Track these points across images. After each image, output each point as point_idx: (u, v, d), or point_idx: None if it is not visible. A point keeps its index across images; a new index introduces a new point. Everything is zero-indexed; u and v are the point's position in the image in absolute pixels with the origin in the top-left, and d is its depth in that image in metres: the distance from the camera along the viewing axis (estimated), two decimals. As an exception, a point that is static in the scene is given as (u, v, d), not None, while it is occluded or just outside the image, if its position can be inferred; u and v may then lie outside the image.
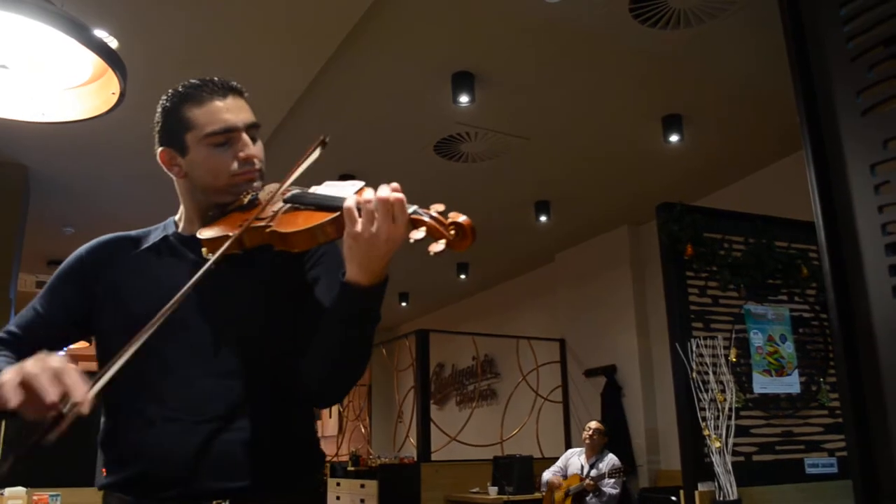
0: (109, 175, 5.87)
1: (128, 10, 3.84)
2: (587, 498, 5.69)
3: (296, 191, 1.38)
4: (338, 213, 1.24)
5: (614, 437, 6.37)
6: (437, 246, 1.16)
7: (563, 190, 6.60)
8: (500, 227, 7.33)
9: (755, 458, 3.51)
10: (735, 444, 3.38)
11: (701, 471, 3.34)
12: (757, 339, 3.63)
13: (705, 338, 3.51)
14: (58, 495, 3.90)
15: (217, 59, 4.27)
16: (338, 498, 7.83)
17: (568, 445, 7.61)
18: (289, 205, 1.35)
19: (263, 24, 4.03)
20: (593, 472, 5.78)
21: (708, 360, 3.46)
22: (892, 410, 1.09)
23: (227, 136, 1.42)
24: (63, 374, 1.06)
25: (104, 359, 1.40)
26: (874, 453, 1.12)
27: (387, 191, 1.20)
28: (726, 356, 3.49)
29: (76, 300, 1.46)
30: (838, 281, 1.18)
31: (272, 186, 1.43)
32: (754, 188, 6.15)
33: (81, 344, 1.53)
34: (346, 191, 1.28)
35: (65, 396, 1.04)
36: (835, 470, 3.60)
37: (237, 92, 1.47)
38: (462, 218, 1.17)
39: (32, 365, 1.07)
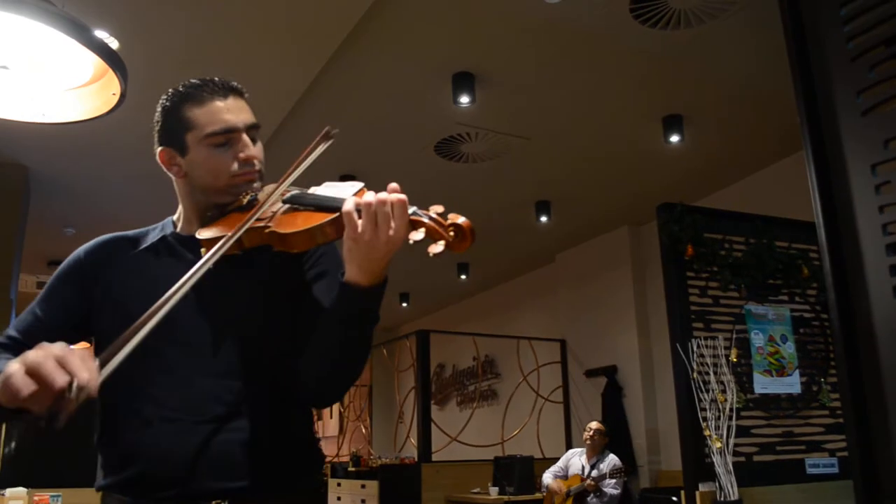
0: (110, 176, 5.87)
1: (128, 11, 3.84)
2: (588, 498, 5.69)
3: (295, 191, 1.38)
4: (337, 214, 1.24)
5: (615, 437, 6.37)
6: (437, 247, 1.16)
7: (563, 190, 6.60)
8: (500, 227, 7.33)
9: (756, 458, 3.51)
10: (736, 445, 3.38)
11: (702, 471, 3.34)
12: (758, 339, 3.63)
13: (706, 338, 3.51)
14: (59, 496, 3.90)
15: (217, 59, 4.27)
16: (338, 498, 7.83)
17: (569, 446, 7.60)
18: (288, 205, 1.35)
19: (264, 25, 4.04)
20: (594, 473, 5.78)
21: (709, 360, 3.46)
22: (893, 410, 1.09)
23: (227, 137, 1.42)
24: (67, 359, 1.04)
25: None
26: (875, 453, 1.11)
27: (388, 192, 1.20)
28: (727, 356, 3.49)
29: (75, 301, 1.46)
30: (839, 281, 1.18)
31: (271, 187, 1.43)
32: (755, 188, 6.15)
33: (82, 345, 1.53)
34: (346, 192, 1.28)
35: (71, 381, 1.02)
36: (836, 470, 3.60)
37: (238, 92, 1.47)
38: (461, 219, 1.17)
39: (35, 354, 1.05)
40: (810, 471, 3.57)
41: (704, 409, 3.39)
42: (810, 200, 1.24)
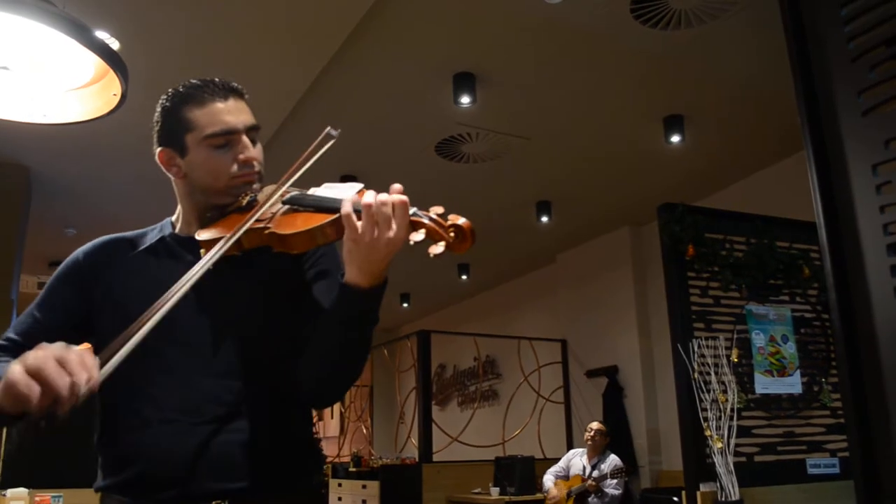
0: (111, 176, 5.88)
1: (129, 11, 3.85)
2: (589, 499, 5.69)
3: (295, 192, 1.38)
4: (337, 216, 1.23)
5: (616, 437, 6.37)
6: (437, 248, 1.16)
7: (564, 190, 6.60)
8: (501, 227, 7.33)
9: (757, 458, 3.50)
10: (737, 445, 3.38)
11: (703, 471, 3.34)
12: (758, 339, 3.63)
13: (707, 338, 3.51)
14: (60, 496, 3.90)
15: (218, 59, 4.27)
16: (339, 499, 7.83)
17: (570, 446, 7.60)
18: (287, 206, 1.35)
19: (264, 25, 4.04)
20: (595, 473, 5.78)
21: (709, 360, 3.46)
22: (894, 410, 1.09)
23: (227, 138, 1.42)
24: (67, 359, 1.04)
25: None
26: (876, 453, 1.11)
27: (389, 194, 1.20)
28: (728, 356, 3.49)
29: (74, 302, 1.46)
30: (840, 281, 1.18)
31: (271, 188, 1.43)
32: (756, 188, 6.15)
33: (85, 345, 1.53)
34: (346, 193, 1.28)
35: (73, 383, 1.03)
36: (837, 470, 3.60)
37: (238, 93, 1.46)
38: (461, 220, 1.17)
39: (35, 356, 1.05)
40: (811, 471, 3.57)
41: (705, 410, 3.39)
42: (811, 200, 1.24)
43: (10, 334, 1.44)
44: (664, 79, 4.76)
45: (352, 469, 8.00)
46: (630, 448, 6.87)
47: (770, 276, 3.76)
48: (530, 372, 8.37)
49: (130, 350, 1.12)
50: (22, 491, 3.76)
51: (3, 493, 3.73)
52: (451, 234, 1.17)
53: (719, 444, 3.31)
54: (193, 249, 1.40)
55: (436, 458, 7.25)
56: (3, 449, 4.05)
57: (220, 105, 1.42)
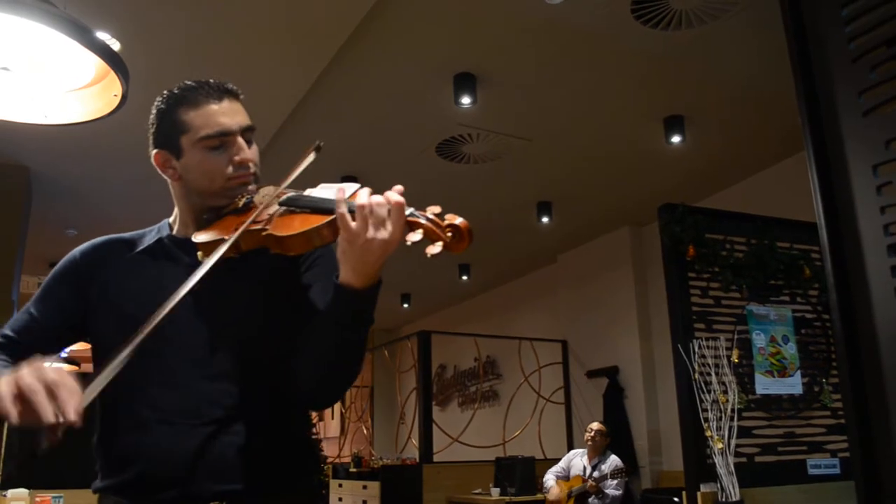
0: (112, 177, 5.88)
1: (129, 12, 3.85)
2: (590, 499, 5.69)
3: (291, 193, 1.37)
4: (334, 217, 1.23)
5: (616, 438, 6.37)
6: (434, 248, 1.16)
7: (564, 191, 6.60)
8: (501, 228, 7.33)
9: (757, 459, 3.50)
10: (737, 445, 3.38)
11: (703, 472, 3.34)
12: (759, 339, 3.63)
13: (707, 339, 3.51)
14: (60, 497, 3.90)
15: (218, 60, 4.27)
16: (340, 499, 7.83)
17: (570, 446, 7.60)
18: (284, 208, 1.35)
19: (265, 26, 4.04)
20: (595, 474, 5.78)
21: (710, 361, 3.45)
22: (895, 411, 1.09)
23: (222, 140, 1.42)
24: (58, 389, 1.06)
25: (100, 361, 1.40)
26: (876, 454, 1.11)
27: (383, 195, 1.20)
28: (728, 357, 3.49)
29: (71, 302, 1.46)
30: (840, 282, 1.18)
31: (267, 189, 1.42)
32: (756, 189, 6.15)
33: (83, 345, 1.53)
34: (343, 194, 1.28)
35: (59, 418, 1.06)
36: (837, 471, 3.59)
37: (233, 94, 1.46)
38: (459, 220, 1.17)
39: (28, 377, 1.07)
40: (812, 471, 3.56)
41: (706, 410, 3.39)
42: (812, 201, 1.24)
43: (7, 331, 1.44)
44: (665, 79, 4.76)
45: (352, 469, 8.00)
46: (631, 448, 6.87)
47: (771, 276, 3.76)
48: (531, 372, 8.37)
49: (119, 367, 1.13)
50: (23, 492, 3.76)
51: (4, 493, 3.73)
52: (449, 234, 1.17)
53: (720, 445, 3.31)
54: (190, 251, 1.40)
55: (436, 458, 7.25)
56: (2, 449, 4.05)
57: (214, 106, 1.42)
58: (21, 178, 5.67)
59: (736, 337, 3.60)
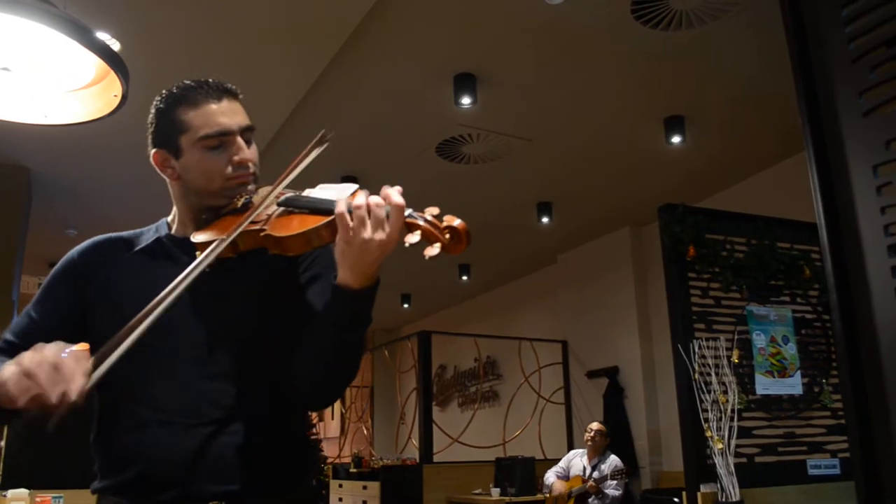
0: (112, 177, 5.88)
1: (129, 12, 3.85)
2: (590, 500, 5.69)
3: (290, 194, 1.37)
4: (332, 217, 1.23)
5: (617, 438, 6.37)
6: (433, 250, 1.16)
7: (565, 191, 6.60)
8: (501, 228, 7.34)
9: (758, 459, 3.50)
10: (737, 446, 3.37)
11: (703, 472, 3.34)
12: (759, 340, 3.63)
13: (707, 339, 3.51)
14: (60, 497, 3.89)
15: (218, 60, 4.28)
16: (340, 499, 7.83)
17: (570, 447, 7.60)
18: (283, 208, 1.35)
19: (265, 26, 4.04)
20: (595, 474, 5.77)
21: (710, 361, 3.45)
22: (895, 411, 1.09)
23: (221, 140, 1.41)
24: (61, 366, 1.07)
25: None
26: (877, 454, 1.11)
27: (382, 195, 1.20)
28: (728, 357, 3.49)
29: (69, 302, 1.46)
30: (840, 282, 1.18)
31: (266, 189, 1.42)
32: (756, 189, 6.15)
33: (83, 346, 1.53)
34: (341, 194, 1.28)
35: (65, 392, 1.06)
36: (837, 471, 3.59)
37: (232, 94, 1.46)
38: (457, 221, 1.17)
39: (30, 359, 1.08)
40: (812, 472, 3.56)
41: (706, 411, 3.38)
42: (812, 201, 1.24)
43: (8, 336, 1.44)
44: (665, 79, 4.76)
45: (352, 470, 8.00)
46: (631, 449, 6.87)
47: (771, 276, 3.76)
48: (531, 373, 8.37)
49: (123, 353, 1.13)
50: (23, 492, 3.76)
51: (3, 493, 3.72)
52: (447, 236, 1.17)
53: (720, 445, 3.31)
54: (189, 251, 1.40)
55: (436, 458, 7.25)
56: (3, 449, 4.05)
57: (213, 106, 1.42)
58: (21, 178, 5.67)
59: (736, 337, 3.60)
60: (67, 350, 1.10)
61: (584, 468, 5.95)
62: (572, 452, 6.33)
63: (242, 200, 1.42)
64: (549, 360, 8.30)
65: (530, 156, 5.80)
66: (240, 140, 1.43)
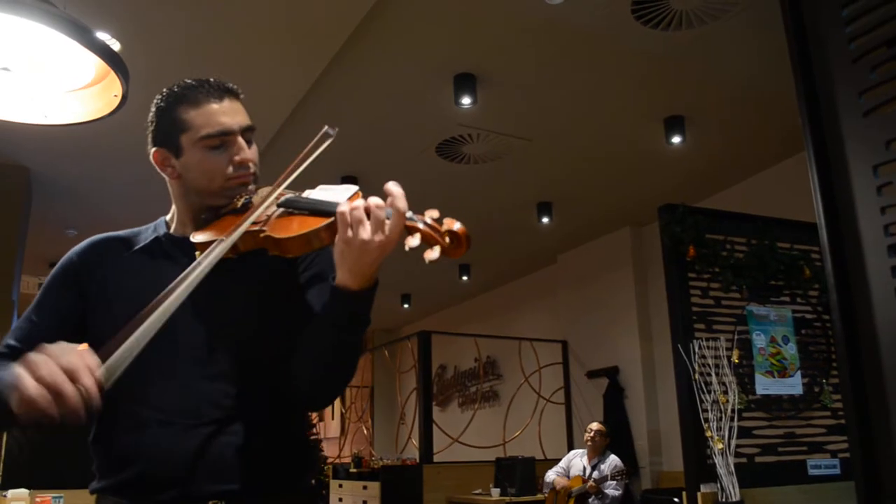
0: (112, 177, 5.88)
1: (129, 12, 3.85)
2: (590, 500, 5.69)
3: (290, 195, 1.37)
4: (332, 219, 1.23)
5: (617, 438, 6.37)
6: (433, 253, 1.16)
7: (565, 191, 6.60)
8: (501, 228, 7.33)
9: (758, 459, 3.50)
10: (737, 446, 3.37)
11: (703, 472, 3.34)
12: (759, 340, 3.63)
13: (707, 339, 3.51)
14: (60, 497, 3.89)
15: (218, 60, 4.27)
16: (340, 499, 7.83)
17: (570, 447, 7.60)
18: (283, 209, 1.34)
19: (265, 26, 4.04)
20: (595, 474, 5.77)
21: (710, 361, 3.45)
22: (895, 411, 1.09)
23: (222, 139, 1.41)
24: (77, 370, 1.06)
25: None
26: (877, 454, 1.11)
27: (386, 192, 1.20)
28: (728, 357, 3.49)
29: (69, 303, 1.46)
30: (841, 282, 1.18)
31: (266, 190, 1.42)
32: (757, 189, 6.15)
33: (83, 346, 1.53)
34: (341, 195, 1.28)
35: (84, 396, 1.06)
36: (837, 471, 3.59)
37: (233, 94, 1.46)
38: (457, 225, 1.17)
39: (44, 365, 1.06)
40: (812, 472, 3.56)
41: (706, 411, 3.38)
42: (812, 201, 1.24)
43: (10, 341, 1.43)
44: (665, 79, 4.76)
45: (352, 470, 8.00)
46: (631, 449, 6.87)
47: (771, 276, 3.76)
48: (531, 373, 8.37)
49: (133, 358, 1.13)
50: (23, 492, 3.76)
51: (4, 493, 3.73)
52: (447, 240, 1.17)
53: (720, 445, 3.31)
54: (188, 251, 1.40)
55: (436, 458, 7.25)
56: (3, 449, 4.05)
57: (215, 106, 1.42)
58: (21, 178, 5.67)
59: (736, 337, 3.60)
60: (75, 351, 1.10)
61: (584, 468, 5.95)
62: (572, 452, 6.34)
63: (242, 201, 1.42)
64: (549, 360, 8.30)
65: (530, 156, 5.80)
66: (241, 140, 1.43)
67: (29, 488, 3.82)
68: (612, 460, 5.84)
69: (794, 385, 3.67)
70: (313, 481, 1.56)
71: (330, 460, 9.09)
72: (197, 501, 1.30)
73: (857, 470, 1.14)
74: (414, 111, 5.10)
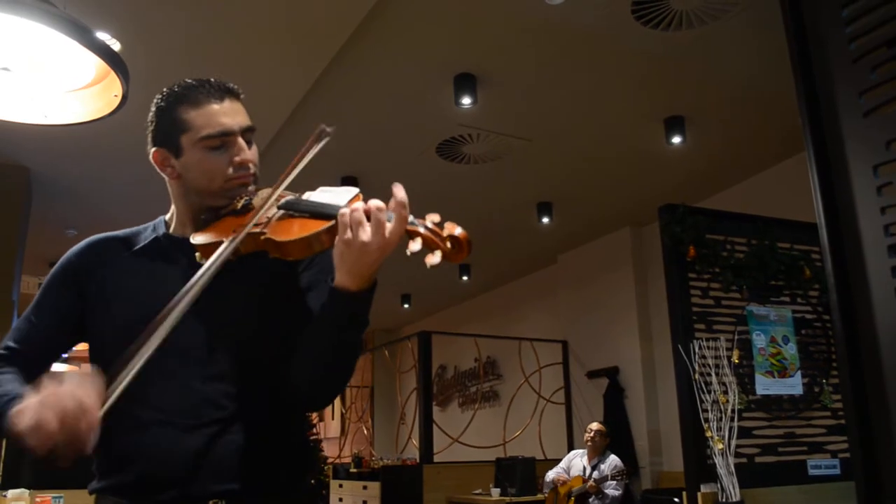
0: (112, 177, 5.88)
1: (129, 12, 3.85)
2: (590, 500, 5.69)
3: (290, 197, 1.37)
4: (333, 222, 1.23)
5: (617, 438, 6.37)
6: (434, 258, 1.16)
7: (565, 191, 6.60)
8: (502, 228, 7.33)
9: (758, 459, 3.50)
10: (738, 446, 3.37)
11: (703, 472, 3.34)
12: (759, 340, 3.63)
13: (708, 339, 3.50)
14: (60, 497, 3.89)
15: (218, 60, 4.27)
16: (340, 499, 7.83)
17: (570, 447, 7.60)
18: (283, 211, 1.34)
19: (265, 26, 4.04)
20: (595, 474, 5.77)
21: (710, 361, 3.45)
22: (895, 411, 1.09)
23: (222, 140, 1.41)
24: (80, 419, 1.13)
25: (95, 360, 1.40)
26: (877, 454, 1.11)
27: (392, 196, 1.20)
28: (729, 357, 3.49)
29: (68, 303, 1.46)
30: (841, 282, 1.18)
31: (266, 191, 1.42)
32: (757, 190, 6.15)
33: (84, 346, 1.53)
34: (341, 198, 1.28)
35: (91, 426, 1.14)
36: (837, 471, 3.59)
37: (234, 94, 1.46)
38: (458, 230, 1.17)
39: (51, 409, 1.13)
40: (812, 472, 3.56)
41: (706, 411, 3.38)
42: (812, 202, 1.24)
43: (9, 342, 1.44)
44: (665, 80, 4.75)
45: (353, 470, 8.00)
46: (631, 449, 6.87)
47: (771, 277, 3.76)
48: (531, 373, 8.37)
49: (133, 376, 1.20)
50: (23, 492, 3.76)
51: (4, 493, 3.72)
52: (448, 245, 1.17)
53: (720, 445, 3.31)
54: (188, 251, 1.40)
55: (436, 458, 7.25)
56: (3, 449, 4.05)
57: (215, 106, 1.42)
58: (21, 178, 5.67)
59: (736, 337, 3.60)
60: (87, 383, 1.16)
61: (585, 468, 5.95)
62: (572, 453, 6.34)
63: (242, 202, 1.42)
64: (549, 360, 8.30)
65: (530, 156, 5.80)
66: (241, 141, 1.43)
67: (29, 488, 3.82)
68: (613, 460, 5.84)
69: (794, 385, 3.67)
70: (313, 481, 1.56)
71: (330, 460, 9.09)
72: (197, 501, 1.30)
73: (857, 470, 1.14)
74: (414, 111, 5.10)
